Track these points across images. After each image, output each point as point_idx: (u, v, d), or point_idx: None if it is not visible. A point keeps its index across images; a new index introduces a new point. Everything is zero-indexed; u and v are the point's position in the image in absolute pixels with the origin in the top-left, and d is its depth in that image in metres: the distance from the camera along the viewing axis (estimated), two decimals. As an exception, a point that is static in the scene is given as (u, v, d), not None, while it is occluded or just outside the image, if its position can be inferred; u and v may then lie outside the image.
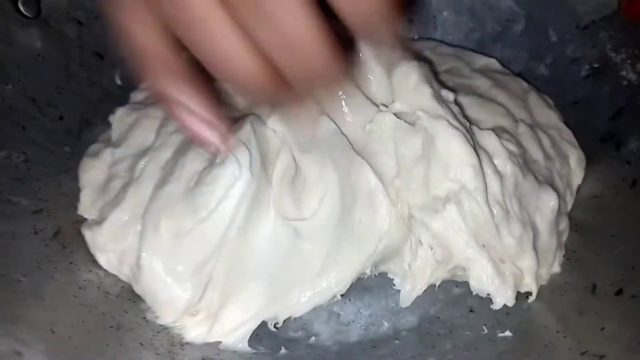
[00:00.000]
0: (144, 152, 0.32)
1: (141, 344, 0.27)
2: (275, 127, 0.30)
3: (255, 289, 0.30)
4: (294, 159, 0.30)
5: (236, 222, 0.28)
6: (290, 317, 0.30)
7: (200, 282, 0.29)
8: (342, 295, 0.31)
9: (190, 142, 0.31)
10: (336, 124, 0.30)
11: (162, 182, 0.30)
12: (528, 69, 0.40)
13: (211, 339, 0.29)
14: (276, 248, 0.30)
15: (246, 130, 0.29)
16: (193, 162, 0.30)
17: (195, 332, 0.29)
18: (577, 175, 0.35)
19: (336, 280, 0.30)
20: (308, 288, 0.30)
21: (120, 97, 0.38)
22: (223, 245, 0.28)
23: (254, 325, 0.30)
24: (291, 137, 0.30)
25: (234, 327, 0.29)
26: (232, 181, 0.28)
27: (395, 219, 0.30)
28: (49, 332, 0.24)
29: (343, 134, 0.30)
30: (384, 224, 0.30)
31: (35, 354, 0.23)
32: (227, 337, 0.29)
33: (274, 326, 0.31)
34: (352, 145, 0.30)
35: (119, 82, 0.38)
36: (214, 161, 0.29)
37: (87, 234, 0.30)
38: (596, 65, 0.36)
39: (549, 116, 0.37)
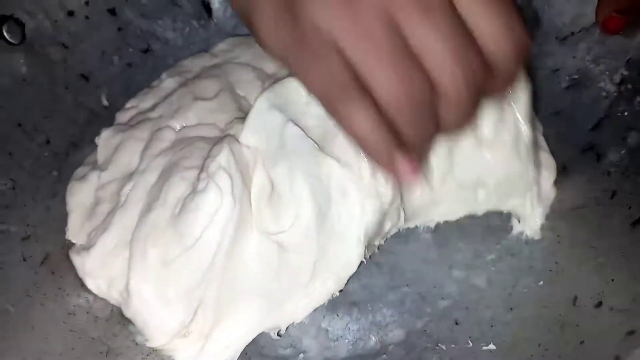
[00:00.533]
0: (130, 176, 0.32)
1: (130, 368, 0.28)
2: (248, 143, 0.30)
3: (249, 307, 0.30)
4: (268, 174, 0.30)
5: (223, 247, 0.29)
6: (292, 323, 0.31)
7: (190, 306, 0.29)
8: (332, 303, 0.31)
9: (173, 166, 0.31)
10: (301, 129, 0.30)
11: (147, 208, 0.30)
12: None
13: (201, 361, 0.30)
14: (264, 265, 0.30)
15: (224, 154, 0.29)
16: (178, 188, 0.30)
17: (186, 353, 0.30)
18: (546, 179, 0.35)
19: (333, 282, 0.30)
20: (302, 296, 0.30)
21: (107, 118, 0.38)
22: (212, 269, 0.29)
23: (247, 341, 0.30)
24: (262, 151, 0.30)
25: (227, 346, 0.30)
26: (215, 208, 0.28)
27: (374, 194, 0.30)
28: (38, 363, 0.25)
29: (309, 137, 0.30)
30: (355, 208, 0.29)
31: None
32: (217, 358, 0.30)
33: (277, 334, 0.31)
34: (318, 146, 0.30)
35: (105, 102, 0.38)
36: (197, 187, 0.29)
37: (76, 260, 0.31)
38: (576, 77, 0.37)
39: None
